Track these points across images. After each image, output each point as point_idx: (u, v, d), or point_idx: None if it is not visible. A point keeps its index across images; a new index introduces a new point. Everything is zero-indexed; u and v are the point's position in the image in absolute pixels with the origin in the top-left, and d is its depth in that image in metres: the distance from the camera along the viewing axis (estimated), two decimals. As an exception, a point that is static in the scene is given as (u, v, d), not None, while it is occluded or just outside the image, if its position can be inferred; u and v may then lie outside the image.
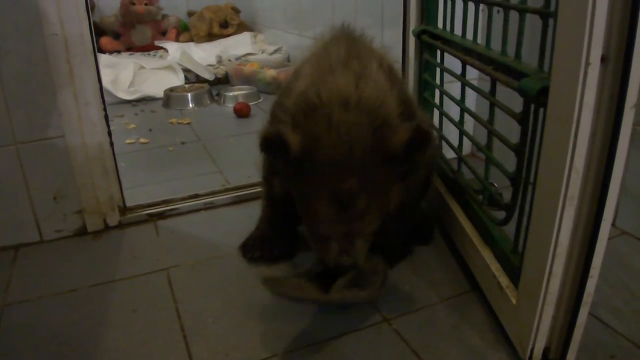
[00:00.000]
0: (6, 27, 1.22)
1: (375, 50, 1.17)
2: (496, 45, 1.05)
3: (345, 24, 1.19)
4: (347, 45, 1.09)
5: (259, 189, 1.56)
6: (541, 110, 0.83)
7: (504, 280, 1.00)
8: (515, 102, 0.92)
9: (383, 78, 1.04)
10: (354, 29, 1.20)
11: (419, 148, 0.93)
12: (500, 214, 1.04)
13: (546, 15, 0.84)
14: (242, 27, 3.87)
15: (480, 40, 1.15)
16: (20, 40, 1.24)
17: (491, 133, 1.07)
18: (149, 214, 1.51)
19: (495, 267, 1.04)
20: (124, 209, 1.50)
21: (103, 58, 3.09)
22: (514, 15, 0.96)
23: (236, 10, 3.91)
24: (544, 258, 0.82)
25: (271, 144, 0.93)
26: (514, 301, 0.94)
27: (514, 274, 0.96)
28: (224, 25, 3.82)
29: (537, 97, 0.81)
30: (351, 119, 0.94)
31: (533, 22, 0.91)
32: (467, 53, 1.15)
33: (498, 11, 1.04)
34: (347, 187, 0.92)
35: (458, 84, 1.24)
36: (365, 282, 1.05)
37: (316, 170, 0.94)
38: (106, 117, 1.39)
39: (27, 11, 1.23)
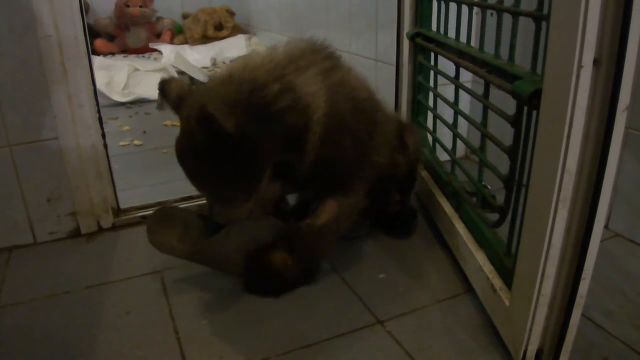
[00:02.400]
0: (0, 29, 1.22)
1: (338, 68, 1.18)
2: (489, 48, 1.05)
3: (320, 39, 1.20)
4: (300, 50, 1.14)
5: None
6: (534, 112, 0.83)
7: (497, 282, 1.00)
8: (509, 105, 0.93)
9: (312, 80, 1.08)
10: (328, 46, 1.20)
11: (203, 128, 0.94)
12: (494, 216, 1.05)
13: (539, 18, 0.85)
14: (236, 30, 3.87)
15: (474, 43, 1.16)
16: (14, 42, 1.24)
17: (484, 135, 1.07)
18: (142, 216, 1.51)
19: (488, 269, 1.04)
20: (117, 211, 1.49)
21: (97, 60, 3.08)
22: (507, 18, 0.97)
23: (231, 13, 3.92)
24: (537, 260, 0.82)
25: (160, 88, 1.10)
26: (507, 303, 0.94)
27: (507, 276, 0.97)
28: (218, 27, 3.82)
29: (530, 100, 0.81)
30: (216, 88, 1.03)
31: (526, 25, 0.91)
32: (461, 56, 1.16)
33: (492, 14, 1.05)
34: (185, 162, 1.04)
35: (452, 87, 1.25)
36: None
37: (181, 121, 1.06)
38: (100, 119, 1.39)
39: (21, 13, 1.22)
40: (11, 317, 1.13)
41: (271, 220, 1.18)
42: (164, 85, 1.09)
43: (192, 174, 1.05)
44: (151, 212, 1.50)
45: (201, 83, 1.09)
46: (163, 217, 1.22)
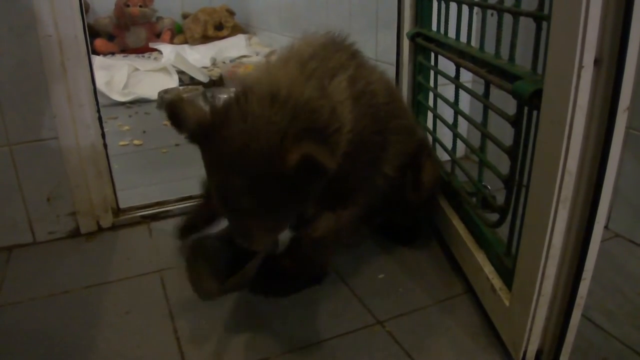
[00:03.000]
0: (0, 28, 1.22)
1: (364, 66, 1.11)
2: (490, 47, 1.05)
3: (341, 33, 1.12)
4: (323, 48, 1.04)
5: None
6: (534, 112, 0.83)
7: (497, 283, 1.00)
8: (509, 105, 0.93)
9: (341, 88, 0.98)
10: (348, 40, 1.12)
11: (309, 175, 0.84)
12: (494, 217, 1.05)
13: (540, 18, 0.85)
14: (236, 30, 3.87)
15: (474, 42, 1.16)
16: (14, 42, 1.24)
17: (485, 136, 1.07)
18: (142, 216, 1.51)
19: (488, 269, 1.04)
20: (117, 211, 1.49)
21: (97, 60, 3.08)
22: (507, 18, 0.97)
23: (231, 13, 3.91)
24: (537, 260, 0.82)
25: (170, 113, 0.90)
26: (507, 303, 0.94)
27: (507, 277, 0.97)
28: (218, 27, 3.82)
29: (531, 100, 0.81)
30: (266, 114, 0.87)
31: (527, 25, 0.91)
32: (461, 56, 1.15)
33: (492, 14, 1.05)
34: (230, 186, 0.89)
35: (452, 87, 1.24)
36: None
37: (213, 153, 0.91)
38: (100, 118, 1.39)
39: (21, 12, 1.22)
40: (11, 317, 1.13)
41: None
42: (174, 109, 0.90)
43: (243, 214, 0.93)
44: (150, 212, 1.51)
45: (228, 102, 0.92)
46: (197, 256, 1.07)
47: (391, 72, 1.62)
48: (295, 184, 0.87)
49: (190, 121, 0.89)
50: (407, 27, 1.51)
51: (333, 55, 1.03)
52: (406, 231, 1.38)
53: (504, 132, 0.98)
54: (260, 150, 0.85)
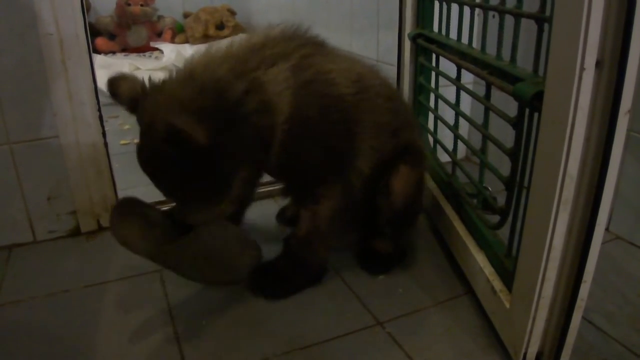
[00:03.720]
0: (0, 27, 1.22)
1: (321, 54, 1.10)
2: (491, 49, 1.05)
3: (302, 27, 1.13)
4: (272, 39, 1.06)
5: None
6: (536, 114, 0.83)
7: (497, 284, 1.00)
8: (510, 107, 0.92)
9: (280, 78, 1.00)
10: (309, 32, 1.13)
11: (179, 148, 0.89)
12: (494, 218, 1.05)
13: (541, 20, 0.85)
14: (237, 29, 3.87)
15: (476, 44, 1.16)
16: (15, 40, 1.24)
17: (486, 137, 1.07)
18: (143, 215, 1.50)
19: (489, 271, 1.04)
20: (117, 210, 1.49)
21: (98, 59, 3.08)
22: (509, 20, 0.97)
23: (232, 12, 3.91)
24: (538, 262, 0.82)
25: (109, 88, 1.05)
26: (507, 305, 0.94)
27: (508, 278, 0.97)
28: (219, 26, 3.82)
29: (532, 102, 0.81)
30: (175, 90, 0.95)
31: (528, 27, 0.91)
32: (463, 57, 1.15)
33: (494, 15, 1.05)
34: (150, 170, 0.98)
35: (453, 88, 1.24)
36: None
37: (139, 125, 1.00)
38: (101, 117, 1.39)
39: (22, 11, 1.22)
40: (11, 315, 1.13)
41: (237, 229, 1.13)
42: (112, 85, 1.02)
43: (159, 182, 1.00)
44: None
45: (157, 82, 1.00)
46: (124, 210, 1.10)
47: (392, 72, 1.62)
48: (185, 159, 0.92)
49: (124, 95, 1.00)
50: (408, 27, 1.51)
51: (278, 44, 1.05)
52: (382, 258, 1.26)
53: (505, 134, 0.98)
54: (158, 123, 0.91)
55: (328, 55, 1.11)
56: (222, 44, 1.07)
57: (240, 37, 1.09)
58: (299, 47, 1.06)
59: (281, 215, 1.51)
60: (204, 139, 0.89)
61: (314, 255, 1.18)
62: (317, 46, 1.12)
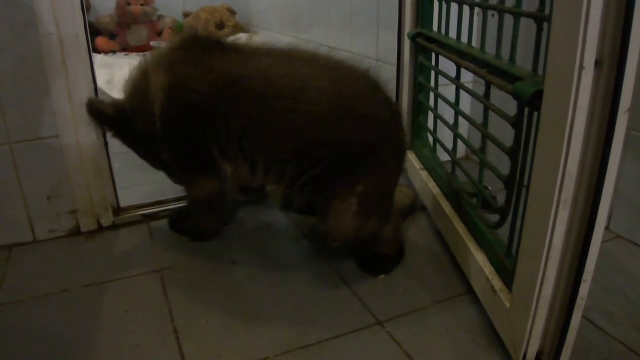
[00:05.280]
0: (0, 26, 1.22)
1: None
2: (491, 48, 1.05)
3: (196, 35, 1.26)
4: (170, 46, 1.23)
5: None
6: (535, 114, 0.83)
7: (497, 284, 1.00)
8: (510, 106, 0.92)
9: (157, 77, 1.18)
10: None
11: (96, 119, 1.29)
12: (494, 217, 1.05)
13: (540, 19, 0.85)
14: (237, 29, 3.87)
15: (475, 43, 1.16)
16: (15, 39, 1.24)
17: (485, 136, 1.07)
18: (143, 215, 1.51)
19: (488, 270, 1.04)
20: (117, 210, 1.49)
21: (99, 58, 3.08)
22: (508, 19, 0.97)
23: (232, 12, 3.91)
24: (538, 262, 0.82)
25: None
26: (507, 305, 0.94)
27: (508, 278, 0.97)
28: (219, 26, 3.81)
29: (531, 101, 0.81)
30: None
31: (527, 26, 0.91)
32: (462, 56, 1.15)
33: (493, 15, 1.05)
34: None
35: (453, 87, 1.24)
36: None
37: None
38: (101, 117, 1.39)
39: (22, 10, 1.22)
40: (10, 315, 1.13)
41: None
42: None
43: None
44: (150, 211, 1.51)
45: None
46: None
47: (392, 72, 1.63)
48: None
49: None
50: (408, 27, 1.51)
51: (170, 50, 1.21)
52: (381, 259, 1.26)
53: (505, 133, 0.98)
54: None
55: (220, 59, 1.16)
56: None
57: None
58: (173, 52, 1.20)
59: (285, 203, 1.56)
60: (110, 110, 1.27)
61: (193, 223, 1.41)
62: (200, 49, 1.18)
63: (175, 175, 1.40)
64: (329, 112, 1.08)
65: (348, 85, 1.11)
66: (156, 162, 1.37)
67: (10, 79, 1.26)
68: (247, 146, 1.14)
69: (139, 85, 1.24)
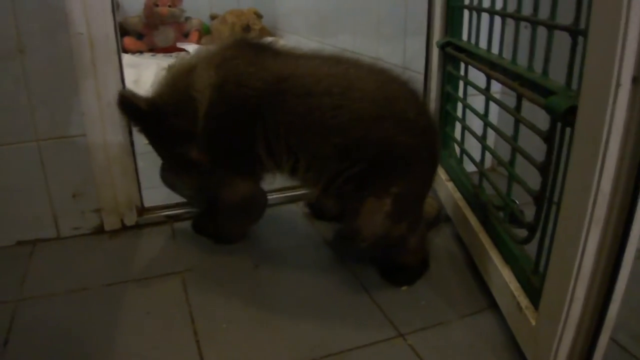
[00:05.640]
0: (32, 26, 1.23)
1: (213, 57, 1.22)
2: (522, 60, 1.03)
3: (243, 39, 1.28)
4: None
5: (277, 195, 1.57)
6: (568, 129, 0.81)
7: (523, 301, 0.98)
8: (538, 117, 0.91)
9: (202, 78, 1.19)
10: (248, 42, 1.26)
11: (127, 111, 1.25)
12: (521, 232, 1.03)
13: (576, 32, 0.83)
14: (264, 32, 3.87)
15: (506, 54, 1.14)
16: (46, 39, 1.25)
17: (515, 149, 1.05)
18: (166, 216, 1.51)
19: (514, 286, 1.02)
20: (141, 210, 1.50)
21: (126, 58, 3.10)
22: (541, 31, 0.95)
23: (259, 15, 3.92)
24: (567, 281, 0.80)
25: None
26: (533, 323, 0.92)
27: (534, 295, 0.95)
28: (246, 29, 3.82)
29: (565, 116, 0.80)
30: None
31: (561, 37, 0.89)
32: (493, 67, 1.14)
33: (526, 26, 1.03)
34: None
35: (481, 97, 1.23)
36: None
37: None
38: (128, 117, 1.40)
39: (53, 10, 1.23)
40: (31, 310, 1.14)
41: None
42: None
43: None
44: (174, 212, 1.51)
45: None
46: None
47: (419, 80, 1.61)
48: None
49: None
50: (436, 36, 1.50)
51: (219, 50, 1.23)
52: (404, 270, 1.25)
53: (533, 144, 0.96)
54: None
55: (272, 58, 1.19)
56: None
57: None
58: (225, 51, 1.21)
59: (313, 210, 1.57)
60: (143, 104, 1.22)
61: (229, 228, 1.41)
62: (253, 49, 1.21)
63: (207, 178, 1.33)
64: (374, 111, 1.09)
65: (392, 89, 1.14)
66: (179, 163, 1.34)
67: (41, 78, 1.27)
68: (293, 142, 1.15)
69: (180, 83, 1.22)
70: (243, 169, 1.26)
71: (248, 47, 1.22)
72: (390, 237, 1.14)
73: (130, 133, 1.41)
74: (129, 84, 2.66)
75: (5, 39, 1.23)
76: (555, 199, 0.86)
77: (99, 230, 1.45)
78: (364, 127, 1.09)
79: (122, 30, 3.69)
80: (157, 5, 3.69)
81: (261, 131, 1.16)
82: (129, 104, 1.22)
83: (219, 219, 1.39)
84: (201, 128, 1.20)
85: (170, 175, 1.42)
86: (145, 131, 1.30)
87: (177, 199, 1.56)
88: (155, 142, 1.33)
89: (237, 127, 1.18)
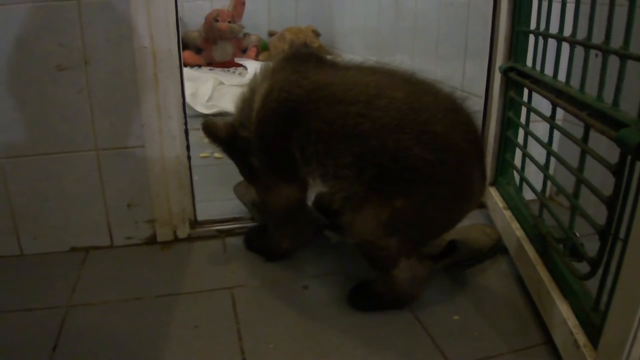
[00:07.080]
0: (97, 38, 1.26)
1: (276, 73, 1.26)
2: (590, 89, 1.00)
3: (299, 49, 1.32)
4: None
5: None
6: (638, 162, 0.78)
7: (581, 339, 0.94)
8: (600, 145, 0.87)
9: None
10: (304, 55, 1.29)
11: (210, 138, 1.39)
12: (582, 267, 0.99)
13: (651, 63, 0.80)
14: (321, 50, 3.89)
15: (573, 82, 1.10)
16: (110, 51, 1.28)
17: (580, 181, 1.01)
18: (218, 230, 1.52)
19: (572, 323, 0.98)
20: (194, 223, 1.51)
21: (185, 71, 3.16)
22: (613, 59, 0.91)
23: (316, 33, 3.95)
24: (630, 320, 0.76)
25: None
26: (591, 362, 0.88)
27: (593, 333, 0.90)
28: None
29: (637, 150, 0.76)
30: None
31: (633, 68, 0.86)
32: (559, 95, 1.10)
33: (596, 55, 1.00)
34: None
35: (542, 124, 1.19)
36: None
37: None
38: (186, 131, 1.42)
39: (118, 23, 1.26)
40: (81, 317, 1.16)
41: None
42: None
43: None
44: (226, 227, 1.52)
45: None
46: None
47: (478, 104, 1.58)
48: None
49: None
50: (499, 60, 1.47)
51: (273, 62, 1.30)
52: (368, 294, 1.22)
53: (595, 174, 0.92)
54: None
55: (315, 68, 1.23)
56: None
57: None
58: (276, 64, 1.29)
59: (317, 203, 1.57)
60: (223, 133, 1.38)
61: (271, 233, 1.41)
62: (299, 59, 1.26)
63: (259, 182, 1.39)
64: (395, 121, 1.07)
65: (424, 100, 1.10)
66: (251, 174, 1.42)
67: (103, 89, 1.30)
68: (320, 149, 1.16)
69: (246, 99, 1.34)
70: (285, 173, 1.28)
71: (296, 57, 1.27)
72: (375, 246, 1.13)
73: (188, 147, 1.42)
74: (187, 98, 2.71)
75: (71, 51, 1.27)
76: (621, 234, 0.82)
77: (152, 241, 1.47)
78: (381, 137, 1.07)
79: (182, 44, 3.76)
80: (217, 21, 3.76)
81: (296, 136, 1.19)
82: (209, 132, 1.37)
83: (268, 229, 1.41)
84: (252, 134, 1.29)
85: (242, 186, 1.57)
86: (226, 152, 1.45)
87: (229, 213, 1.57)
88: (235, 159, 1.46)
89: (277, 131, 1.23)
